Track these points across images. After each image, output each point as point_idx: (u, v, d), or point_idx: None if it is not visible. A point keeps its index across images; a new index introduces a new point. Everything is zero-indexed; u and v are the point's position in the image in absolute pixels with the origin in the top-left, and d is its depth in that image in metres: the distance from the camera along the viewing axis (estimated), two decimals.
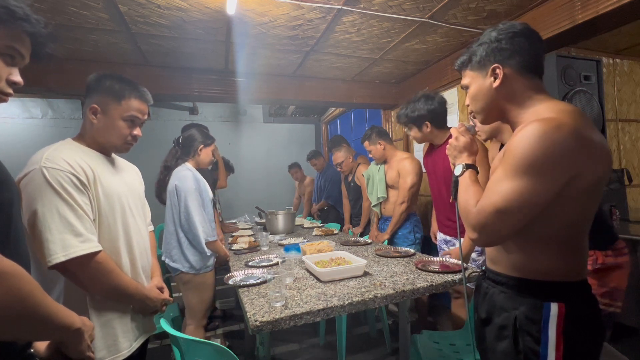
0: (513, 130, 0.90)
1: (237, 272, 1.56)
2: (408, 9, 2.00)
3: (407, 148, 3.51)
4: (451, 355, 1.57)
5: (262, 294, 1.30)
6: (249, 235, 2.78)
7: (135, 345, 1.12)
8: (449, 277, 1.39)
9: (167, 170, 2.03)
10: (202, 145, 2.06)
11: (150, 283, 1.23)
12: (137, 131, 1.14)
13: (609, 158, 0.80)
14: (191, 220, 1.84)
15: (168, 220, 1.92)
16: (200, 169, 2.10)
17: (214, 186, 2.66)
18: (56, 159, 0.95)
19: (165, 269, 1.92)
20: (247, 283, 1.41)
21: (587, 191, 0.77)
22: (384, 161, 2.63)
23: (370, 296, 1.22)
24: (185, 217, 1.85)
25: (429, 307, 2.40)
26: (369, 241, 2.26)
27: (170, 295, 1.27)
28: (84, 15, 1.94)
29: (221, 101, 3.50)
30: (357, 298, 1.20)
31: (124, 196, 1.12)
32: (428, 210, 3.04)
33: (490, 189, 0.81)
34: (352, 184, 3.26)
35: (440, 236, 2.15)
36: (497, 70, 0.87)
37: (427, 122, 1.98)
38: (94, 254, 0.95)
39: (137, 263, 1.15)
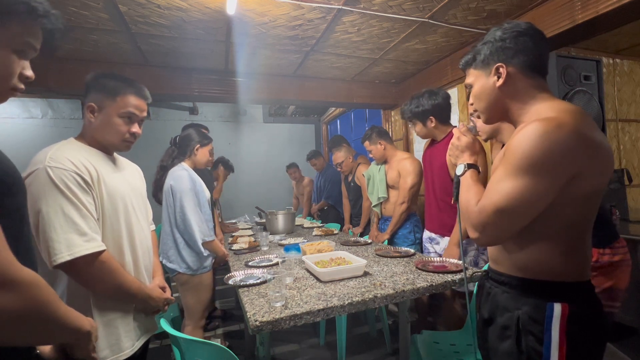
0: (515, 128, 0.90)
1: (237, 272, 1.56)
2: (408, 9, 2.00)
3: (407, 148, 3.51)
4: (451, 355, 1.57)
5: (262, 294, 1.30)
6: (249, 235, 2.78)
7: (138, 344, 1.12)
8: (449, 277, 1.39)
9: (163, 170, 2.02)
10: (198, 145, 2.04)
11: (152, 282, 1.23)
12: (135, 128, 1.13)
13: (610, 157, 0.79)
14: (187, 220, 1.83)
15: (164, 221, 1.92)
16: (198, 169, 2.10)
17: (211, 187, 2.65)
18: (60, 159, 0.95)
19: (164, 269, 1.92)
20: (247, 283, 1.41)
21: (588, 190, 0.77)
22: (384, 161, 2.63)
23: (370, 296, 1.22)
24: (181, 217, 1.84)
25: (429, 307, 2.40)
26: (369, 241, 2.25)
27: (171, 295, 1.28)
28: (84, 15, 1.94)
29: (221, 101, 3.50)
30: (357, 298, 1.20)
31: (127, 195, 1.13)
32: None
33: (491, 188, 0.81)
34: (352, 184, 3.26)
35: (426, 234, 2.17)
36: (501, 70, 0.87)
37: (431, 117, 1.99)
38: (98, 254, 0.95)
39: (140, 262, 1.16)
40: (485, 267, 1.28)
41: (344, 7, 1.94)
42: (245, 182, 5.30)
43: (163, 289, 1.24)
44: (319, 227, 3.12)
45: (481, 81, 0.92)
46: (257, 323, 1.05)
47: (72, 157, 0.98)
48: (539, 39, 0.87)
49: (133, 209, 1.15)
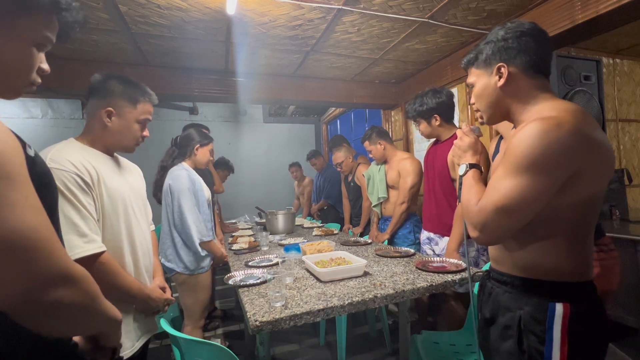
0: (516, 127, 0.90)
1: (237, 272, 1.56)
2: (408, 9, 2.00)
3: (407, 148, 3.51)
4: (451, 355, 1.56)
5: (262, 294, 1.30)
6: (249, 235, 2.78)
7: (138, 345, 1.12)
8: (449, 277, 1.39)
9: (163, 170, 2.02)
10: (198, 145, 2.04)
11: (152, 283, 1.24)
12: (146, 132, 1.20)
13: (611, 157, 0.79)
14: (184, 220, 1.83)
15: (163, 220, 1.92)
16: (199, 169, 2.10)
17: (212, 187, 2.65)
18: (60, 160, 0.96)
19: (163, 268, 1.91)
20: (247, 283, 1.41)
21: (589, 190, 0.77)
22: (384, 161, 2.63)
23: (370, 296, 1.22)
24: (179, 216, 1.84)
25: (429, 307, 2.40)
26: (369, 241, 2.25)
27: (171, 295, 1.28)
28: None
29: (221, 101, 3.50)
30: (357, 298, 1.20)
31: (127, 196, 1.13)
32: None
33: (491, 187, 0.81)
34: (352, 184, 3.26)
35: (424, 234, 2.16)
36: (502, 69, 0.87)
37: (436, 115, 2.00)
38: (98, 255, 0.96)
39: (140, 263, 1.16)
40: (486, 267, 1.28)
41: (344, 7, 1.94)
42: (245, 182, 5.30)
43: (163, 289, 1.25)
44: (319, 227, 3.12)
45: (483, 81, 0.92)
46: (257, 323, 1.05)
47: (72, 158, 0.98)
48: (542, 39, 0.87)
49: (133, 210, 1.15)
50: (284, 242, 2.32)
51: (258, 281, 1.42)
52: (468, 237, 0.99)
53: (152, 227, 1.36)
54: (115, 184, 1.09)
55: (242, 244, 2.31)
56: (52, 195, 0.66)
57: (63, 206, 0.92)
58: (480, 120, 0.99)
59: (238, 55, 2.60)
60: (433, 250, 2.07)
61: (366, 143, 2.63)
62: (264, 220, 3.30)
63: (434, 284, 1.34)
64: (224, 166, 3.43)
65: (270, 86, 3.13)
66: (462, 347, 1.59)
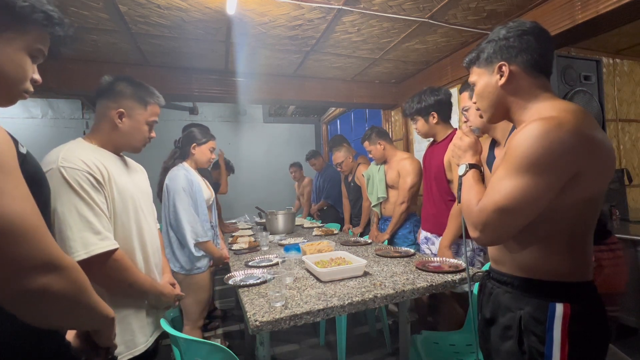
0: (516, 128, 0.89)
1: (237, 272, 1.56)
2: (408, 9, 2.00)
3: (407, 148, 3.51)
4: (451, 356, 1.56)
5: (262, 294, 1.30)
6: (249, 235, 2.77)
7: (151, 340, 1.14)
8: (449, 277, 1.39)
9: (166, 172, 2.02)
10: (194, 144, 2.02)
11: (162, 279, 1.27)
12: (153, 133, 1.24)
13: (612, 157, 0.79)
14: (179, 220, 1.82)
15: (162, 219, 1.92)
16: (200, 169, 2.10)
17: (213, 187, 2.65)
18: (73, 159, 0.97)
19: None
20: (247, 283, 1.41)
21: (590, 190, 0.77)
22: (384, 161, 2.63)
23: (370, 296, 1.22)
24: (174, 216, 1.84)
25: (429, 307, 2.40)
26: (369, 241, 2.25)
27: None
28: (84, 15, 1.94)
29: (221, 101, 3.50)
30: (357, 298, 1.20)
31: (135, 195, 1.15)
32: None
33: (492, 187, 0.81)
34: (352, 184, 3.26)
35: (422, 234, 2.17)
36: (503, 68, 0.87)
37: (433, 113, 2.00)
38: (112, 252, 0.98)
39: (150, 260, 1.18)
40: (486, 267, 1.28)
41: (344, 7, 1.94)
42: (245, 182, 5.30)
43: (173, 285, 1.28)
44: (319, 227, 3.12)
45: (484, 79, 0.92)
46: (257, 323, 1.05)
47: (83, 157, 1.00)
48: (544, 38, 0.86)
49: (141, 208, 1.17)
50: (284, 242, 2.32)
51: (258, 281, 1.42)
52: (468, 237, 0.99)
53: (158, 225, 1.38)
54: (125, 182, 1.11)
55: (242, 244, 2.31)
56: (43, 193, 0.67)
57: (77, 204, 0.94)
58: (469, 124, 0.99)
59: (238, 55, 2.60)
60: (430, 250, 2.07)
61: (366, 143, 2.63)
62: (264, 220, 3.30)
63: (434, 284, 1.34)
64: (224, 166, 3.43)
65: (270, 86, 3.13)
66: (462, 347, 1.59)
